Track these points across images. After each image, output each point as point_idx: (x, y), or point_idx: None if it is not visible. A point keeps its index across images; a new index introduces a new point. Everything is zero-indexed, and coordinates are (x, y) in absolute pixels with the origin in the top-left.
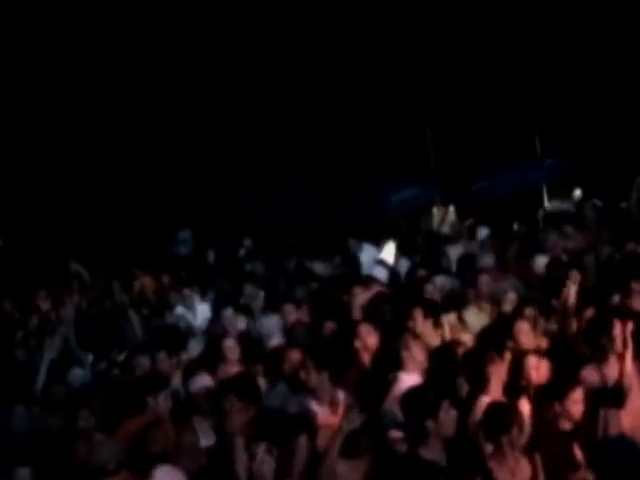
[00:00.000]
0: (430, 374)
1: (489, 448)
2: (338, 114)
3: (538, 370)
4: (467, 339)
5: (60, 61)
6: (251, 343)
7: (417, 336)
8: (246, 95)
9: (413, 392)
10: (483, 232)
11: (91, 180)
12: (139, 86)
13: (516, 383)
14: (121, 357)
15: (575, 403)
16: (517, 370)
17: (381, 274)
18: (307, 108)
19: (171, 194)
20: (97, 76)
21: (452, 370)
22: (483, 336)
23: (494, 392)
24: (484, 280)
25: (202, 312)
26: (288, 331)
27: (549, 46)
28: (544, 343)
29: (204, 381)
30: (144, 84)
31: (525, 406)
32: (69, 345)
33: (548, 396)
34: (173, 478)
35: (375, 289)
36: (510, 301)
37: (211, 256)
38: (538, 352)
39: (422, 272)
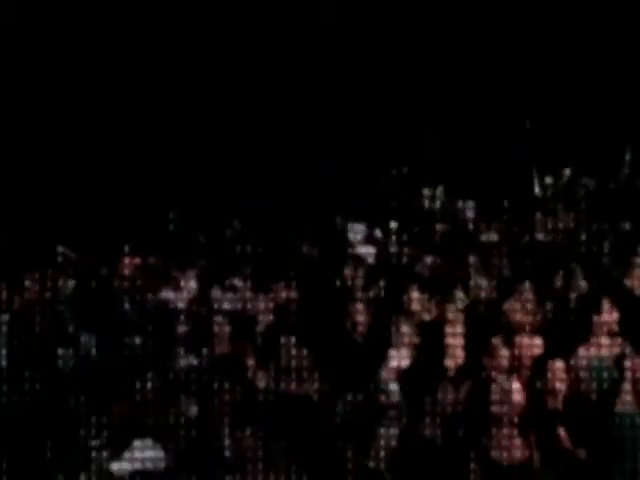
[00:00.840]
0: (423, 352)
1: (484, 425)
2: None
3: (531, 347)
4: (458, 317)
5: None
6: (239, 323)
7: (409, 313)
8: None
9: (410, 370)
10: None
11: (77, 163)
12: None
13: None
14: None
15: (556, 375)
16: (510, 347)
17: (369, 252)
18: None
19: (158, 174)
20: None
21: (445, 347)
22: (475, 314)
23: (488, 370)
24: (473, 260)
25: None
26: (278, 311)
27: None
28: (537, 320)
29: (191, 361)
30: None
31: (517, 384)
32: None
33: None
34: (152, 450)
35: (364, 267)
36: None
37: (200, 237)
38: (531, 330)
39: (413, 250)
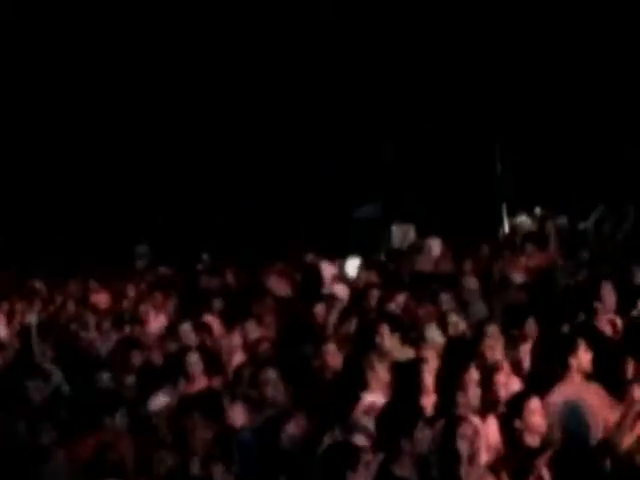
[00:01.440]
0: (398, 392)
1: (459, 467)
2: (299, 129)
3: (507, 387)
4: (431, 355)
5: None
6: (211, 359)
7: (382, 354)
8: (225, 106)
9: (386, 411)
10: (435, 245)
11: (51, 195)
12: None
13: (485, 400)
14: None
15: (533, 413)
16: (486, 386)
17: (342, 291)
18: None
19: (129, 209)
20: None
21: (420, 387)
22: (449, 353)
23: (463, 409)
24: (445, 298)
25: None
26: (250, 348)
27: (510, 62)
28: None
29: (164, 398)
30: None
31: (494, 423)
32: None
33: (511, 411)
34: None
35: (338, 306)
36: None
37: (169, 270)
38: (509, 368)
39: (385, 289)
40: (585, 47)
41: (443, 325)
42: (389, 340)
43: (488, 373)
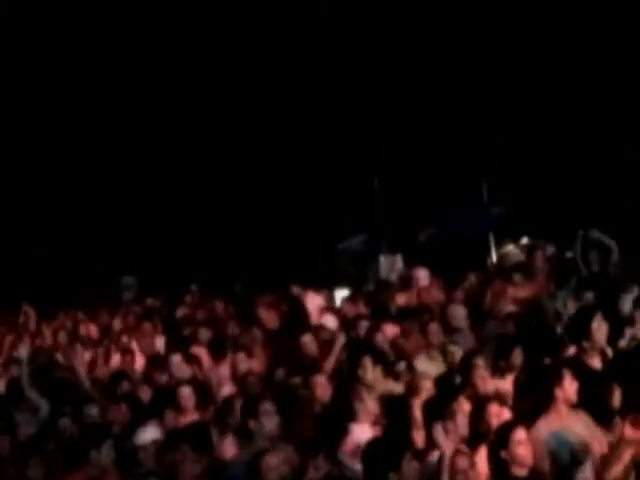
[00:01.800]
0: (386, 424)
1: None
2: (286, 159)
3: (499, 417)
4: (423, 387)
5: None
6: (200, 391)
7: (368, 386)
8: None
9: (374, 444)
10: (422, 275)
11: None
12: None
13: (476, 431)
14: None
15: (519, 444)
16: (477, 417)
17: (330, 322)
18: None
19: (115, 241)
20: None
21: (409, 420)
22: (439, 384)
23: (453, 441)
24: (433, 329)
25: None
26: (239, 380)
27: (496, 94)
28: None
29: (153, 431)
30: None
31: (484, 454)
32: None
33: (497, 442)
34: None
35: (325, 337)
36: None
37: (157, 302)
38: (499, 399)
39: (371, 321)
40: (578, 73)
41: (443, 355)
42: (371, 372)
43: (479, 404)
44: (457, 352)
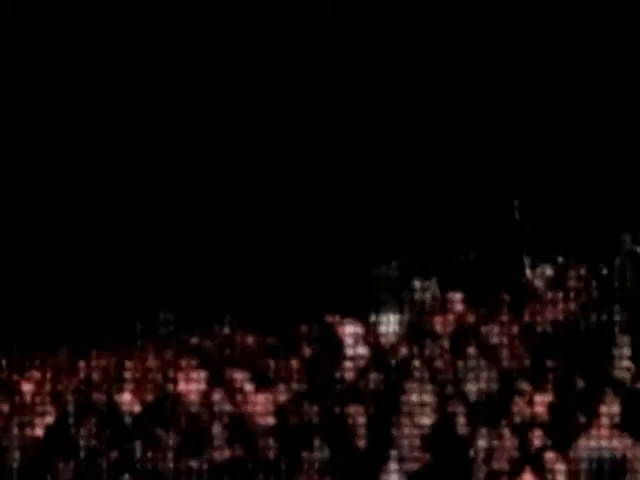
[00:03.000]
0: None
1: None
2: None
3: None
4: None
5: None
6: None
7: (409, 412)
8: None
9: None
10: (456, 299)
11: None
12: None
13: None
14: None
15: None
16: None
17: (364, 351)
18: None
19: (149, 274)
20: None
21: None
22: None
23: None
24: (472, 353)
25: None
26: (279, 411)
27: (527, 102)
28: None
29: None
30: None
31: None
32: None
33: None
34: None
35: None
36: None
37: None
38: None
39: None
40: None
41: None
42: (417, 397)
43: (521, 428)
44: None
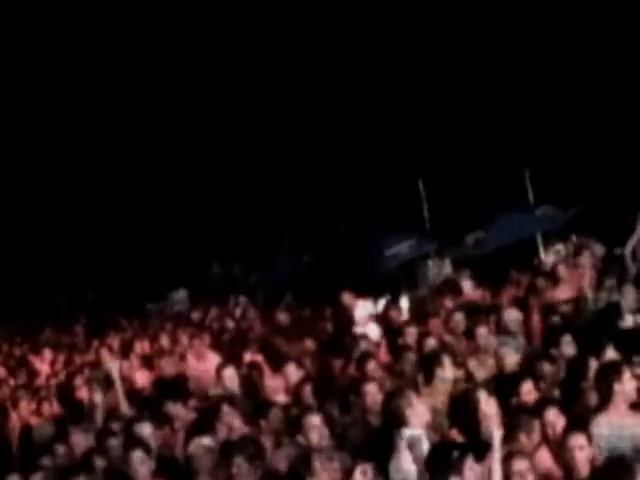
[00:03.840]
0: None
1: None
2: (330, 169)
3: (555, 425)
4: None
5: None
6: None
7: (419, 391)
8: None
9: (436, 449)
10: (466, 279)
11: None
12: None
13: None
14: None
15: (580, 449)
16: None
17: (374, 331)
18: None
19: (165, 255)
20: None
21: (469, 425)
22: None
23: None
24: (482, 333)
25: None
26: (292, 391)
27: (540, 92)
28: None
29: (205, 443)
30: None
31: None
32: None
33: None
34: None
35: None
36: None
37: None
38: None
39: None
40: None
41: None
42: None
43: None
44: (509, 356)
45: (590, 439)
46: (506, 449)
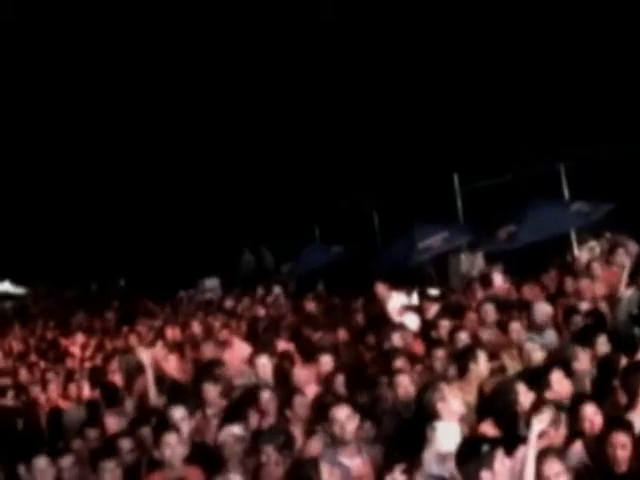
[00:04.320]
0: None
1: None
2: (362, 159)
3: (594, 421)
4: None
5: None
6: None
7: (451, 384)
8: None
9: (468, 442)
10: (497, 274)
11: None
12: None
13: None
14: None
15: (623, 447)
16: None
17: (412, 321)
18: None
19: (197, 242)
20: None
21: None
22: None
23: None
24: (514, 328)
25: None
26: (324, 381)
27: (577, 86)
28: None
29: (236, 432)
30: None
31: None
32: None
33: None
34: None
35: (408, 336)
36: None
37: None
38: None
39: (455, 320)
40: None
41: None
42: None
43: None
44: (535, 350)
45: (633, 438)
46: (540, 445)
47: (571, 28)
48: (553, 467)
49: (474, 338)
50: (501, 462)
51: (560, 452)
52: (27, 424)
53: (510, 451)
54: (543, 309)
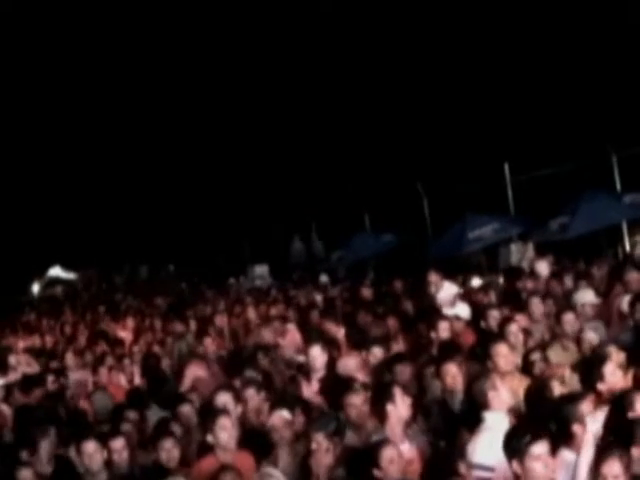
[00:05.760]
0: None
1: None
2: (412, 149)
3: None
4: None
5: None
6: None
7: (502, 374)
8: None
9: (515, 432)
10: (543, 266)
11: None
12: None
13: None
14: None
15: None
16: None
17: (463, 311)
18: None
19: (247, 229)
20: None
21: (546, 409)
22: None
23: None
24: (568, 319)
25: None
26: (373, 371)
27: (630, 79)
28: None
29: (285, 415)
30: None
31: None
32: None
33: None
34: None
35: (459, 326)
36: (589, 342)
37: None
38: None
39: (504, 311)
40: None
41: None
42: (507, 360)
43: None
44: (594, 341)
45: None
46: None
47: (623, 17)
48: (613, 468)
49: (523, 330)
50: (547, 454)
51: (623, 455)
52: (68, 409)
53: (557, 444)
54: (589, 297)
